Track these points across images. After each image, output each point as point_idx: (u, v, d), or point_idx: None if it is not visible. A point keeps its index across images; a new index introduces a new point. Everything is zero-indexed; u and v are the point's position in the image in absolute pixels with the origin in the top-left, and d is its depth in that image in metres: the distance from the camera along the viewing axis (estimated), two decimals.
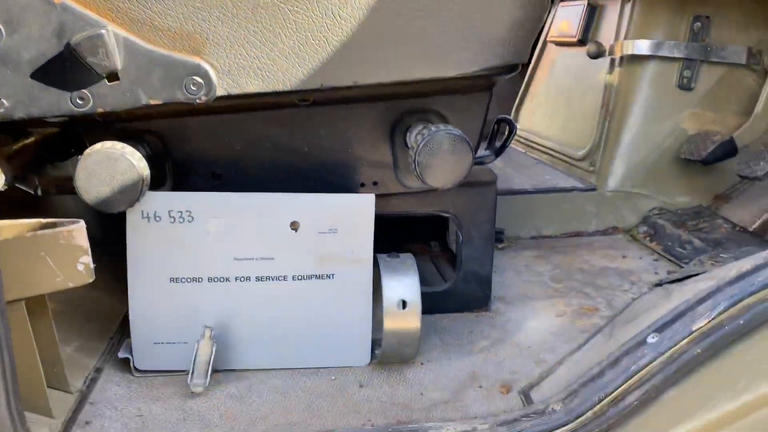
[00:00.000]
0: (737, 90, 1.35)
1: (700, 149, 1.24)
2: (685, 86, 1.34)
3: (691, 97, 1.35)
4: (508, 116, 1.14)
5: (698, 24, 1.32)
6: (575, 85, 1.59)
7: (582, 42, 1.55)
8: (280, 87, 0.81)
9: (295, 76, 0.80)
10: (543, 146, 1.67)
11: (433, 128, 0.84)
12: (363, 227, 0.90)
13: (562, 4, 1.71)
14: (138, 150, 0.84)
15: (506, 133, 1.04)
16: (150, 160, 0.87)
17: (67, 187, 1.04)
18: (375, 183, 0.98)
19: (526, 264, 1.26)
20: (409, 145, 0.89)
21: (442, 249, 1.27)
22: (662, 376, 0.69)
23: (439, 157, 0.83)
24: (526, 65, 1.75)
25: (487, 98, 0.95)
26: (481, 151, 1.06)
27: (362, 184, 0.98)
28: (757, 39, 1.32)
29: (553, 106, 1.67)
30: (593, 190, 1.40)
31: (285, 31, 0.79)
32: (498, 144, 1.05)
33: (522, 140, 1.79)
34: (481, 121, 0.96)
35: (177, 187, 0.97)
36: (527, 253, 1.32)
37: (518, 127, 1.68)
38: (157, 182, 0.92)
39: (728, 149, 1.24)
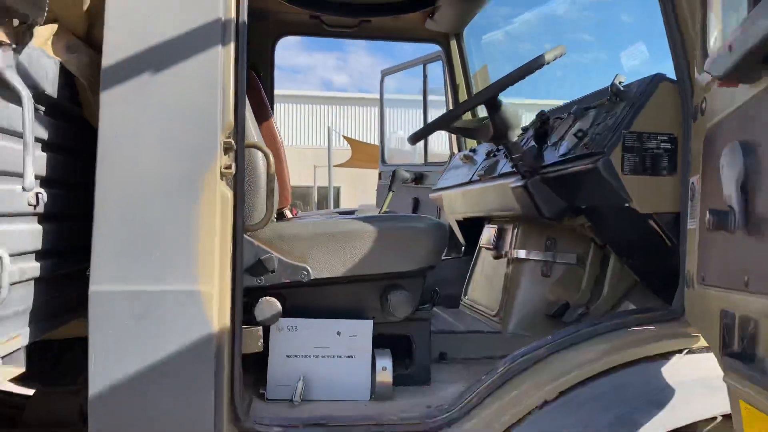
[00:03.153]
0: (573, 278, 2.05)
1: (553, 308, 2.02)
2: (545, 274, 2.09)
3: (549, 281, 2.09)
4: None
5: (549, 242, 2.09)
6: (493, 274, 2.35)
7: (495, 249, 2.33)
8: None
9: None
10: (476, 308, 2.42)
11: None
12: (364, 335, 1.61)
13: (487, 225, 2.51)
14: None
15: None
16: None
17: None
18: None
19: None
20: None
21: None
22: None
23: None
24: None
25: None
26: None
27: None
28: (582, 250, 2.04)
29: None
30: (499, 332, 2.12)
31: None
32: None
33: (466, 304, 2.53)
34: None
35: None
36: None
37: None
38: None
39: (564, 310, 2.00)
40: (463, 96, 3.23)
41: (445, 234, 1.74)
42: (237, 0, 1.32)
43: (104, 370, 1.21)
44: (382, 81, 4.10)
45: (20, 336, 1.17)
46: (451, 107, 3.36)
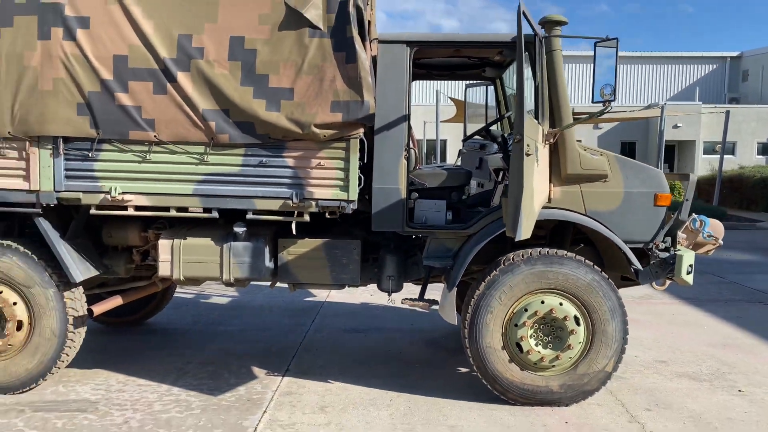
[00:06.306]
0: None
1: None
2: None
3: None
4: None
5: None
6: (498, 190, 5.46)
7: (501, 180, 5.42)
8: None
9: None
10: None
11: None
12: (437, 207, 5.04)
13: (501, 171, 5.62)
14: None
15: None
16: None
17: None
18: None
19: None
20: None
21: None
22: None
23: None
24: None
25: None
26: None
27: None
28: None
29: None
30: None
31: None
32: None
33: None
34: None
35: None
36: None
37: None
38: None
39: None
40: (502, 107, 6.48)
41: (467, 174, 5.15)
42: (408, 97, 4.78)
43: (377, 210, 4.78)
44: (465, 91, 7.36)
45: None
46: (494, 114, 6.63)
